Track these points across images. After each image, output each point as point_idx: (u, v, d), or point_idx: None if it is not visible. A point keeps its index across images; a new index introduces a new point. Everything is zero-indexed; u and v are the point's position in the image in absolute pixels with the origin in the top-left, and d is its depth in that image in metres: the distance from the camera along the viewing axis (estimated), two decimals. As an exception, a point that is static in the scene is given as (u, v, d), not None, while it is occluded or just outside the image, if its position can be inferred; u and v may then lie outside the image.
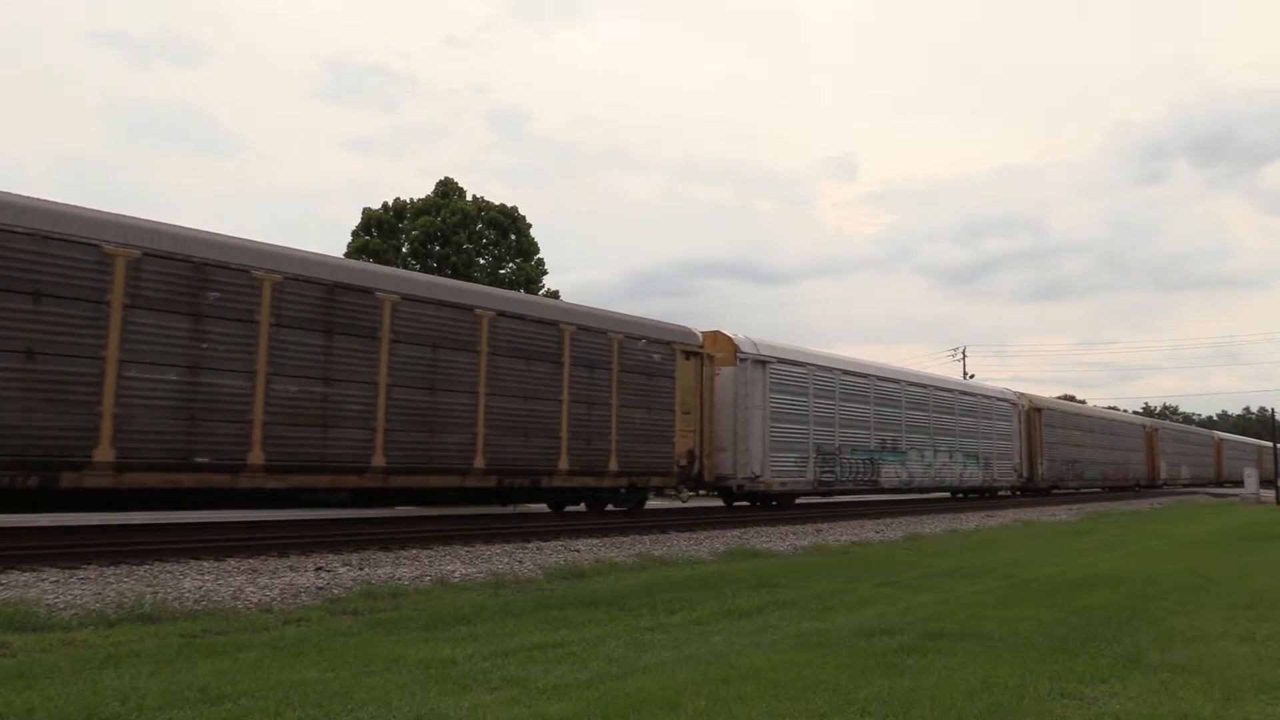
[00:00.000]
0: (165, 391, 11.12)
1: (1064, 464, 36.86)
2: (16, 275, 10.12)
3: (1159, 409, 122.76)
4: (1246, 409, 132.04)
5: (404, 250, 37.32)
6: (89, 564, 9.32)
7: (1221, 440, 67.38)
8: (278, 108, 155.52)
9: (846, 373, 23.74)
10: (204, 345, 11.47)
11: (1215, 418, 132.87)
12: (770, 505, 21.30)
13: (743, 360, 20.27)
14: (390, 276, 14.23)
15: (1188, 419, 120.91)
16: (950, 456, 28.26)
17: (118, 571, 8.99)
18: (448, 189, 38.99)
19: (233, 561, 10.02)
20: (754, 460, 19.95)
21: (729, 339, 20.38)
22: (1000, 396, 32.26)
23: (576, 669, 5.41)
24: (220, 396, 11.55)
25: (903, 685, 5.09)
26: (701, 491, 20.46)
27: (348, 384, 12.86)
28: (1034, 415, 34.59)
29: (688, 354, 18.69)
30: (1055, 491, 37.36)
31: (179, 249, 11.44)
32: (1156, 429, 50.36)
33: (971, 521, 20.76)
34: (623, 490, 17.43)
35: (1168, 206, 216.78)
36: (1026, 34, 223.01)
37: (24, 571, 8.72)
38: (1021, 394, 34.40)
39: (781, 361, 21.34)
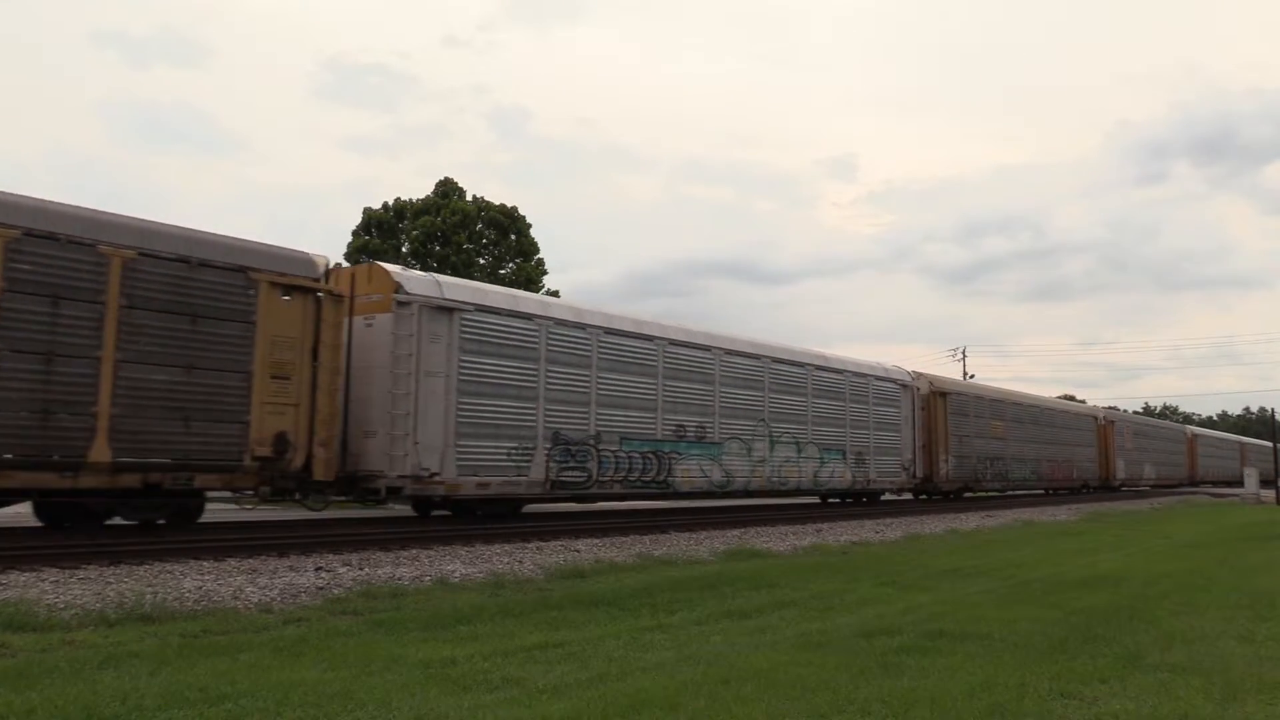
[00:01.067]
0: None
1: (981, 461, 29.82)
2: None
3: (1159, 409, 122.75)
4: (1246, 409, 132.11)
5: (404, 250, 37.32)
6: (89, 564, 9.32)
7: (1195, 436, 59.52)
8: (277, 107, 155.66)
9: (612, 332, 17.04)
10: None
11: (1215, 418, 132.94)
12: (475, 516, 15.37)
13: (406, 305, 13.77)
14: None
15: (1188, 419, 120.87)
16: (798, 451, 21.31)
17: (118, 571, 8.99)
18: (448, 189, 39.00)
19: (233, 561, 10.02)
20: (429, 451, 13.74)
21: (386, 274, 14.12)
22: (883, 375, 25.08)
23: (576, 669, 5.41)
24: None
25: (903, 685, 5.09)
26: (305, 497, 13.05)
27: None
28: (936, 400, 27.47)
29: (286, 289, 12.37)
30: (968, 495, 30.48)
31: None
32: (1112, 421, 43.03)
33: (971, 522, 20.77)
34: (129, 494, 11.16)
35: (1168, 206, 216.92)
36: (1026, 34, 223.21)
37: (24, 571, 8.72)
38: (919, 374, 27.85)
39: (481, 310, 14.79)
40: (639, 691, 4.85)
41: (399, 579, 9.20)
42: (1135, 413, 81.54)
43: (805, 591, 8.90)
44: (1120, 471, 42.50)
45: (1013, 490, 33.01)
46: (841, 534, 16.38)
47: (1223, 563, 12.59)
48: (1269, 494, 40.23)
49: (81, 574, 8.75)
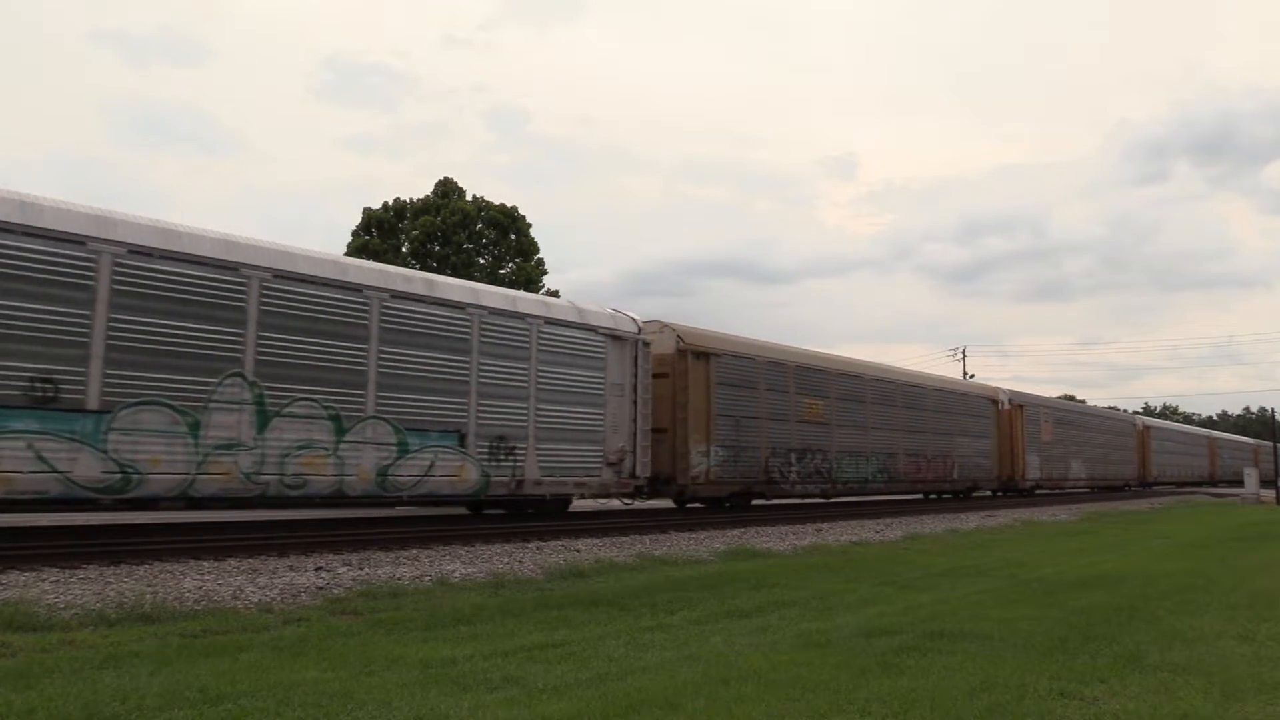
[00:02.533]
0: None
1: (778, 455, 20.55)
2: None
3: (1159, 409, 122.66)
4: (1246, 409, 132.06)
5: (404, 250, 37.33)
6: (89, 564, 9.32)
7: (1148, 428, 48.92)
8: (277, 107, 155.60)
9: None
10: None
11: (1215, 418, 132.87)
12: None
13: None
14: None
15: (1188, 419, 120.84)
16: (336, 429, 12.52)
17: (118, 571, 8.99)
18: (448, 189, 39.01)
19: (233, 561, 10.02)
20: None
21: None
22: (574, 320, 16.29)
23: (576, 669, 5.41)
24: None
25: (903, 685, 5.09)
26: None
27: None
28: (687, 364, 18.28)
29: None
30: (759, 503, 20.95)
31: None
32: (1021, 405, 32.93)
33: (971, 521, 20.77)
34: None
35: (1168, 206, 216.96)
36: (1027, 33, 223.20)
37: (24, 571, 8.72)
38: (663, 324, 18.76)
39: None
40: (639, 691, 4.85)
41: (399, 579, 9.20)
42: (1135, 412, 79.08)
43: (805, 591, 8.90)
44: (1032, 470, 33.13)
45: (844, 495, 23.46)
46: (841, 534, 16.39)
47: (1223, 562, 12.59)
48: (1269, 494, 40.23)
49: (81, 574, 8.75)
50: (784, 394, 21.07)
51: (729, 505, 19.93)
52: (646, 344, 17.59)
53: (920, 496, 28.78)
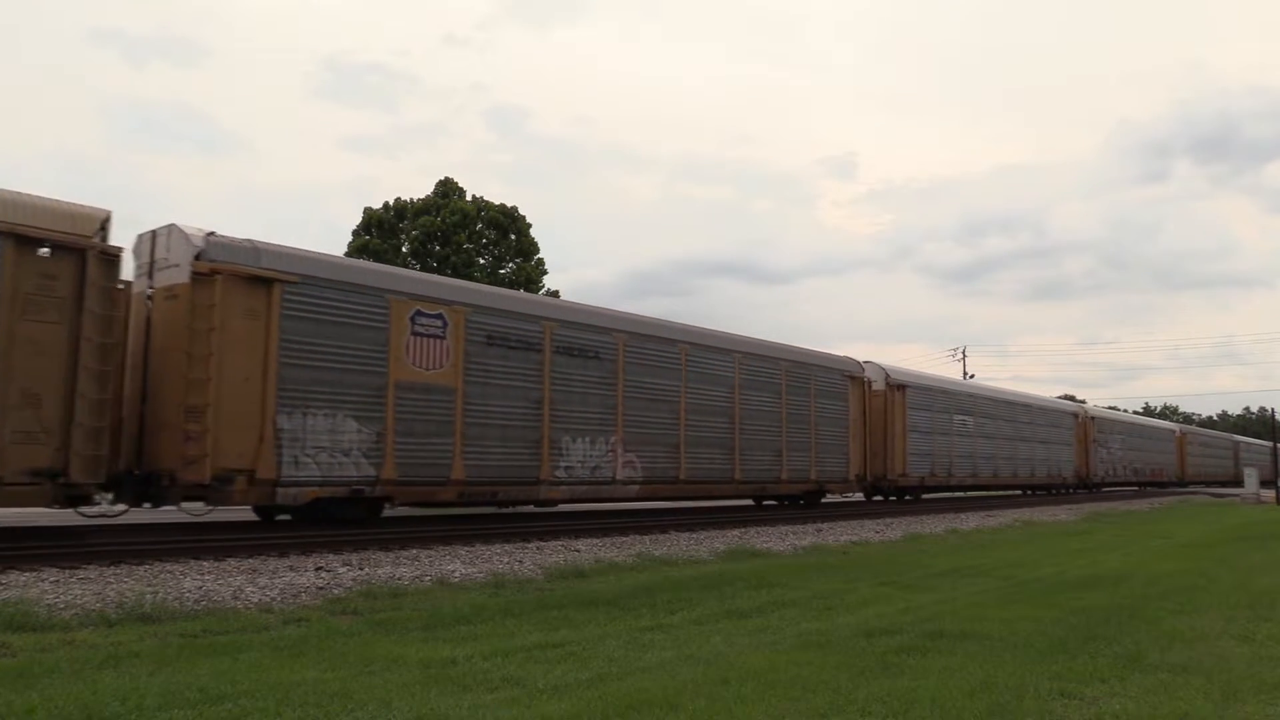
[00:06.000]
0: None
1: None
2: None
3: (1159, 409, 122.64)
4: (1246, 409, 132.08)
5: (404, 250, 37.34)
6: (89, 564, 9.32)
7: (1090, 420, 41.01)
8: (277, 107, 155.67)
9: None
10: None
11: (1215, 417, 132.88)
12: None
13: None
14: None
15: (1188, 419, 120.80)
16: None
17: (118, 571, 8.99)
18: (448, 189, 39.01)
19: (233, 561, 10.02)
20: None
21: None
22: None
23: (576, 669, 5.41)
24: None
25: (903, 685, 5.09)
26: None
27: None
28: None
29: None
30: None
31: None
32: (903, 386, 26.28)
33: (971, 521, 20.78)
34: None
35: (1169, 205, 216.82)
36: (1027, 32, 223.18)
37: (24, 571, 8.72)
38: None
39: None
40: (639, 691, 4.85)
41: (399, 579, 9.20)
42: (1135, 412, 76.57)
43: (805, 591, 8.90)
44: (912, 467, 26.38)
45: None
46: (841, 534, 16.39)
47: (1223, 563, 12.59)
48: (1269, 494, 40.24)
49: (81, 574, 8.75)
50: (491, 357, 16.05)
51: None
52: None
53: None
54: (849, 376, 24.05)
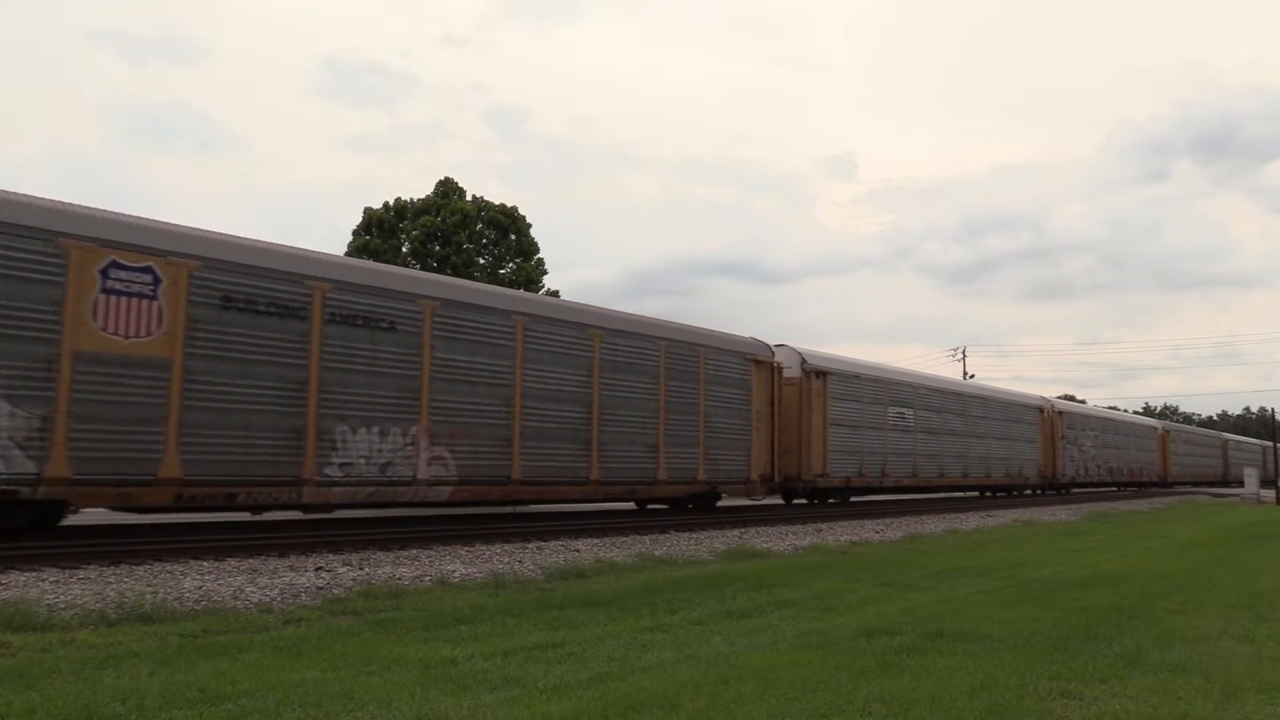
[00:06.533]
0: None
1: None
2: None
3: (1159, 409, 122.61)
4: (1246, 409, 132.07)
5: (404, 250, 37.35)
6: (89, 564, 9.32)
7: (1058, 415, 37.65)
8: (276, 107, 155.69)
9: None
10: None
11: (1215, 417, 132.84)
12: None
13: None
14: None
15: (1188, 419, 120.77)
16: None
17: (118, 571, 8.99)
18: (448, 189, 39.02)
19: (233, 561, 10.02)
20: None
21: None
22: None
23: (576, 669, 5.41)
24: None
25: (903, 685, 5.09)
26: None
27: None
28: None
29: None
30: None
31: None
32: (824, 373, 22.72)
33: (971, 521, 20.78)
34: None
35: (1169, 205, 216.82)
36: (1027, 32, 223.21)
37: (24, 571, 8.72)
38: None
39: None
40: (639, 691, 4.85)
41: (399, 579, 9.20)
42: (1135, 412, 73.35)
43: (805, 591, 8.90)
44: (832, 466, 22.65)
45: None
46: (841, 534, 16.39)
47: (1223, 563, 12.59)
48: (1269, 494, 40.25)
49: (81, 574, 8.75)
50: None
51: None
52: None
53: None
54: (753, 360, 20.11)
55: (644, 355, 17.54)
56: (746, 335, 21.09)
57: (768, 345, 21.32)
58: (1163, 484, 50.55)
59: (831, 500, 24.19)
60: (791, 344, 22.71)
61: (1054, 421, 36.88)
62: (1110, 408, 65.88)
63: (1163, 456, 50.48)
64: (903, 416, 26.40)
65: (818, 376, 22.63)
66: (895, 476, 25.72)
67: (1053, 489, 36.93)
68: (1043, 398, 38.10)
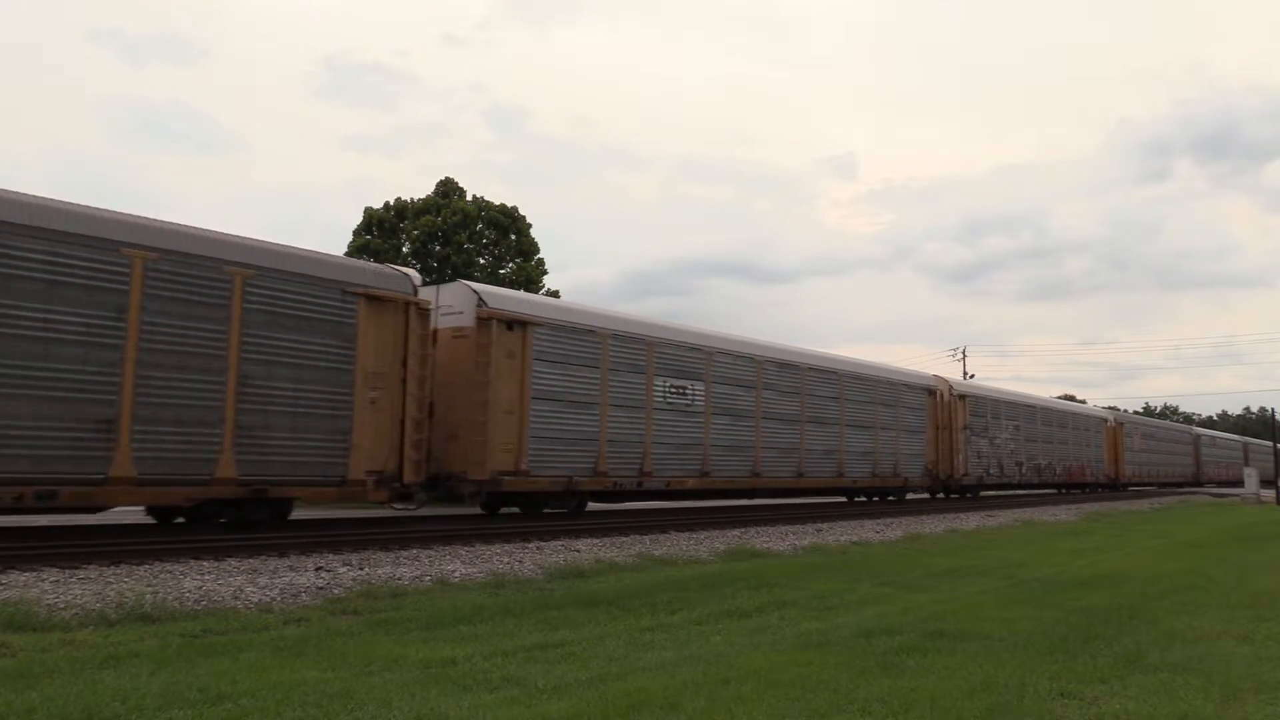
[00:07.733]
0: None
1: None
2: None
3: (1159, 409, 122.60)
4: (1246, 409, 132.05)
5: (405, 250, 37.35)
6: (89, 564, 9.32)
7: (959, 400, 29.48)
8: (276, 107, 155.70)
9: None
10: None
11: (1215, 417, 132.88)
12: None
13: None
14: None
15: (1188, 419, 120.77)
16: None
17: (118, 571, 8.99)
18: (448, 189, 39.03)
19: (233, 561, 10.02)
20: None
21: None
22: None
23: (576, 669, 5.41)
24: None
25: (903, 685, 5.09)
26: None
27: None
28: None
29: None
30: None
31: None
32: (525, 322, 15.29)
33: (971, 522, 20.78)
34: None
35: (1169, 205, 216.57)
36: (1027, 32, 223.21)
37: (24, 571, 8.72)
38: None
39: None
40: (639, 691, 4.85)
41: (399, 579, 9.20)
42: (1135, 412, 66.83)
43: (805, 591, 8.90)
44: (533, 460, 15.43)
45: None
46: (841, 534, 16.39)
47: (1222, 563, 12.59)
48: (1269, 494, 40.25)
49: (81, 574, 8.75)
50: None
51: None
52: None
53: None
54: (361, 294, 12.72)
55: (282, 304, 11.94)
56: (392, 267, 14.38)
57: (408, 276, 13.88)
58: (1114, 486, 42.53)
59: (548, 510, 16.71)
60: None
61: (953, 408, 29.08)
62: (1110, 407, 57.53)
63: (1113, 453, 42.32)
64: (684, 393, 18.81)
65: (509, 327, 15.18)
66: (666, 476, 18.23)
67: (946, 491, 29.57)
68: (937, 377, 29.58)
